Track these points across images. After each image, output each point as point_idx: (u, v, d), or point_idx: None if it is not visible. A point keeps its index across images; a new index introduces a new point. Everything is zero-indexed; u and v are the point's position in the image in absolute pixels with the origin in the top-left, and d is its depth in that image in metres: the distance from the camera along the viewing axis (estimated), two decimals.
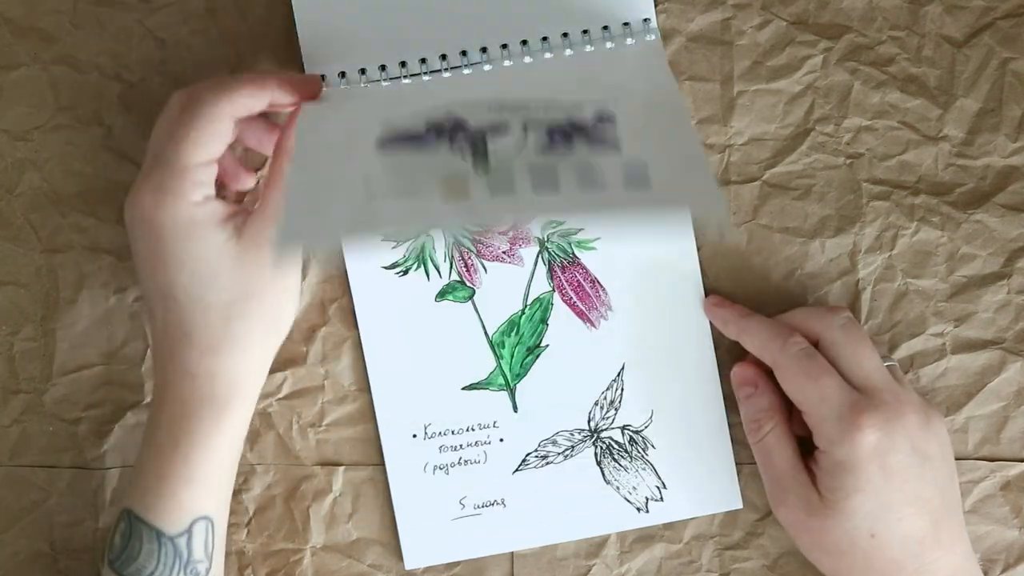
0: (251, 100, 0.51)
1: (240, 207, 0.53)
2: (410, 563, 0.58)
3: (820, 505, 0.52)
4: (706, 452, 0.58)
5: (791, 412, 0.55)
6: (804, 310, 0.56)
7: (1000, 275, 0.58)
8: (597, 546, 0.59)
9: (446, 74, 0.57)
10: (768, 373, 0.55)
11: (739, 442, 0.58)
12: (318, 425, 0.59)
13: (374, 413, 0.58)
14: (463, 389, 0.58)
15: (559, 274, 0.58)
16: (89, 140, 0.59)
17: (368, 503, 0.59)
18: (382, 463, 0.59)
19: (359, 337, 0.58)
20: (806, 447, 0.54)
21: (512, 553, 0.59)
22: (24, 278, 0.59)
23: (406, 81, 0.57)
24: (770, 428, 0.55)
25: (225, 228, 0.51)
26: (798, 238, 0.58)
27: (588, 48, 0.57)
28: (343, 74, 0.57)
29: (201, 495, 0.52)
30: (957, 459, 0.58)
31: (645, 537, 0.59)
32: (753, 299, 0.58)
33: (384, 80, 0.57)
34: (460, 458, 0.58)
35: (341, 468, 0.59)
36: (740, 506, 0.58)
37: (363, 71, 0.57)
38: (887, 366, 0.54)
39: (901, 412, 0.51)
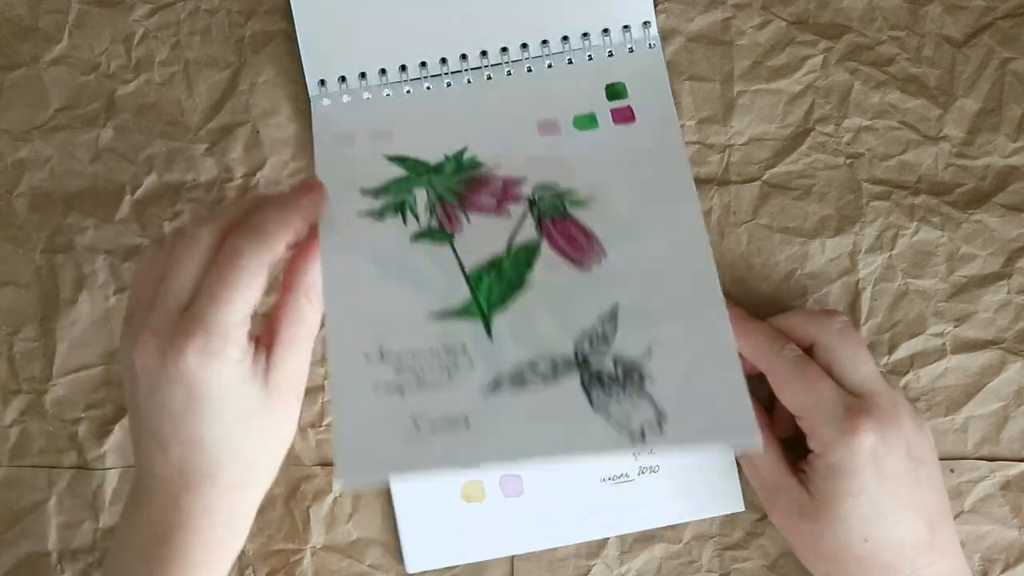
0: (285, 245, 0.50)
1: (259, 347, 0.52)
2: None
3: (812, 508, 0.52)
4: (713, 381, 0.47)
5: (771, 416, 0.56)
6: (799, 313, 0.55)
7: (1000, 275, 0.58)
8: (597, 546, 0.59)
9: (446, 78, 0.57)
10: (760, 377, 0.55)
11: None
12: (318, 425, 0.59)
13: None
14: (431, 315, 0.50)
15: (549, 226, 0.52)
16: (89, 140, 0.59)
17: (368, 503, 0.59)
18: None
19: None
20: (799, 450, 0.54)
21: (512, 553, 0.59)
22: (24, 278, 0.59)
23: (407, 90, 0.57)
24: None
25: (256, 378, 0.51)
26: (798, 238, 0.58)
27: (587, 56, 0.57)
28: (343, 79, 0.57)
29: None
30: (957, 459, 0.58)
31: (645, 537, 0.59)
32: (753, 299, 0.58)
33: (385, 85, 0.57)
34: (418, 379, 0.49)
35: None
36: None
37: (363, 75, 0.57)
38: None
39: (897, 416, 0.51)
